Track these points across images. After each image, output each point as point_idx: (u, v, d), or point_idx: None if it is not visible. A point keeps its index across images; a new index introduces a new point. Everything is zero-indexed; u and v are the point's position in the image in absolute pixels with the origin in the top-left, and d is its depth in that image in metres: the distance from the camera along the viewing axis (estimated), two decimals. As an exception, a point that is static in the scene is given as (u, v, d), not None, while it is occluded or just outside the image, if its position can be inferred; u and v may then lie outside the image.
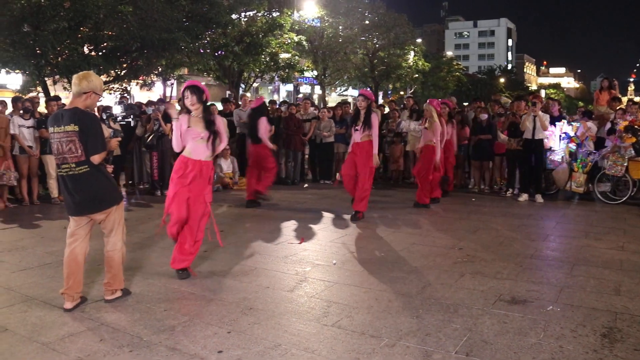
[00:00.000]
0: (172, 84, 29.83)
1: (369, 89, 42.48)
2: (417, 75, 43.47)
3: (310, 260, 6.29)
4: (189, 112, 5.53)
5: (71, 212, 4.70)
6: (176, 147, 5.57)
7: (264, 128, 9.88)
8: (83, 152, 4.50)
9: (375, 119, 8.42)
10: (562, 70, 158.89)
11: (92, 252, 5.09)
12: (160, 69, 16.67)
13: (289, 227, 8.21)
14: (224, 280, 5.55)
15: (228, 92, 25.40)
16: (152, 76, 16.84)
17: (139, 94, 25.55)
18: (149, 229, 8.06)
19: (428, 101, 10.06)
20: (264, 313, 4.59)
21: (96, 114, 5.11)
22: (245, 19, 22.53)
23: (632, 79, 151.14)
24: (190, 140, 5.49)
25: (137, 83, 17.21)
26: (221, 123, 5.75)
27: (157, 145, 11.09)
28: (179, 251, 5.54)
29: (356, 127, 8.54)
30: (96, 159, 4.54)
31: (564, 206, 10.12)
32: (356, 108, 8.77)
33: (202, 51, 19.26)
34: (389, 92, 47.33)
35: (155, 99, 13.84)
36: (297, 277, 5.63)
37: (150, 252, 6.71)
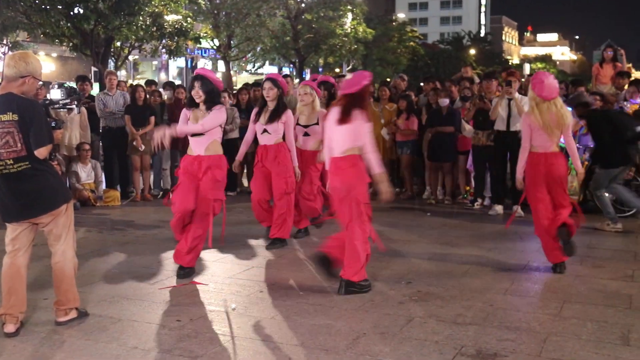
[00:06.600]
0: (4, 53, 28.72)
1: (290, 66, 42.78)
2: (356, 47, 43.89)
3: (200, 305, 6.18)
4: None
5: (9, 218, 5.29)
6: None
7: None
8: (24, 146, 5.06)
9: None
10: (554, 37, 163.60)
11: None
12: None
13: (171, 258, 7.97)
14: (70, 339, 5.32)
15: (93, 69, 24.72)
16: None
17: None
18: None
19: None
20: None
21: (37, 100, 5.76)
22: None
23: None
24: None
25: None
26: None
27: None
28: None
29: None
30: (42, 152, 5.15)
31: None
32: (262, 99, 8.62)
33: (48, 7, 18.54)
34: (320, 69, 47.55)
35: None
36: (180, 332, 5.49)
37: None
